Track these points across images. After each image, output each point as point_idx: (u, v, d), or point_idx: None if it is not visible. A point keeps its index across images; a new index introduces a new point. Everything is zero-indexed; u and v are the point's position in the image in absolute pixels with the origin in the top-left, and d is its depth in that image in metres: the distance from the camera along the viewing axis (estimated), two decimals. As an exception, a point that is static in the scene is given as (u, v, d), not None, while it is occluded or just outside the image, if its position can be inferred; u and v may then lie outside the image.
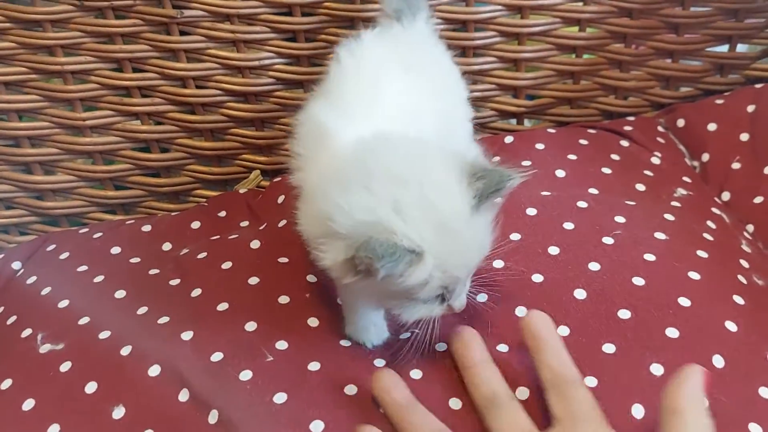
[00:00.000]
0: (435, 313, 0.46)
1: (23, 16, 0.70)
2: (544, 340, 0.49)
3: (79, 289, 0.65)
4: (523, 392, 0.49)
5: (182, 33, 0.73)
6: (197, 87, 0.75)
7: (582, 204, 0.64)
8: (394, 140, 0.46)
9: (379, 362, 0.53)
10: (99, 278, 0.66)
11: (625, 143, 0.75)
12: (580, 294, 0.55)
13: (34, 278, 0.68)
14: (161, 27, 0.72)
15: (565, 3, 0.76)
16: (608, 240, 0.60)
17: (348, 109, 0.49)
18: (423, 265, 0.41)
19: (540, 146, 0.73)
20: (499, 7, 0.75)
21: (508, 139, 0.76)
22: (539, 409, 0.48)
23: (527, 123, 0.84)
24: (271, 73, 0.75)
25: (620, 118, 0.80)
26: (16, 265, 0.72)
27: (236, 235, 0.68)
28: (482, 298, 0.54)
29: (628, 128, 0.77)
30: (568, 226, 0.61)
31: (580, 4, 0.76)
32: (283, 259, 0.63)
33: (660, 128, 0.78)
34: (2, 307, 0.66)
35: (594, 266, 0.58)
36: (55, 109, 0.75)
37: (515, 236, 0.60)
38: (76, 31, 0.71)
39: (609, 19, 0.77)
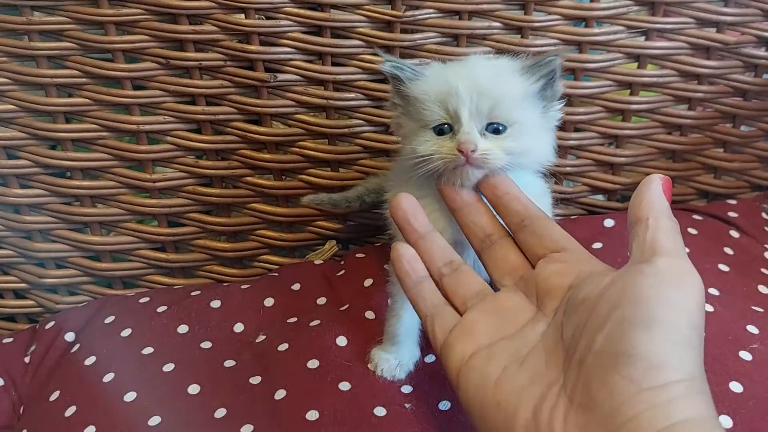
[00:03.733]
0: (444, 149, 0.47)
1: (102, 72, 0.65)
2: (504, 191, 0.48)
3: (147, 378, 0.58)
4: None
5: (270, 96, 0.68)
6: (278, 151, 0.70)
7: (708, 308, 0.59)
8: None
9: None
10: (168, 367, 0.59)
11: (735, 234, 0.70)
12: (726, 422, 0.50)
13: (92, 359, 0.61)
14: (250, 89, 0.67)
15: (679, 81, 0.71)
16: (746, 355, 0.54)
17: None
18: (423, 81, 0.49)
19: None
20: (609, 83, 0.70)
21: (609, 222, 0.71)
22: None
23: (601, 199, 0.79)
24: (358, 140, 0.70)
25: (719, 199, 0.76)
26: (69, 336, 0.66)
27: (318, 322, 0.62)
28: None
29: (733, 214, 0.72)
30: None
31: (695, 82, 0.71)
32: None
33: (764, 214, 0.73)
34: (57, 392, 0.59)
35: (736, 387, 0.52)
36: (124, 168, 0.70)
37: None
38: (157, 89, 0.66)
39: (721, 99, 0.72)
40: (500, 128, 0.48)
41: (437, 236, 0.49)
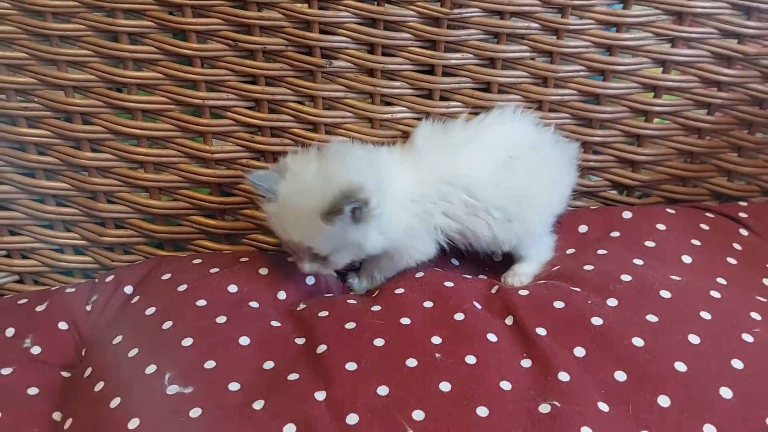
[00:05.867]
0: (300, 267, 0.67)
1: (175, 50, 0.71)
2: None
3: (202, 328, 0.64)
4: None
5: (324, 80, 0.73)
6: (326, 132, 0.76)
7: (715, 294, 0.64)
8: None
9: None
10: (221, 319, 0.65)
11: (744, 232, 0.75)
12: (726, 393, 0.55)
13: (152, 309, 0.67)
14: (306, 73, 0.73)
15: (700, 87, 0.76)
16: (748, 337, 0.59)
17: None
18: (272, 204, 0.65)
19: (661, 227, 0.73)
20: (635, 85, 0.76)
21: (626, 214, 0.76)
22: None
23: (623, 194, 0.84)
24: (399, 126, 0.76)
25: (730, 201, 0.81)
26: (128, 289, 0.72)
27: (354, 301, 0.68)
28: (622, 376, 0.57)
29: (743, 215, 0.77)
30: (705, 315, 0.61)
31: (715, 89, 0.76)
32: (405, 320, 0.63)
33: (773, 216, 0.78)
34: (120, 336, 0.65)
35: (737, 364, 0.57)
36: (186, 139, 0.76)
37: (652, 317, 0.61)
38: (224, 69, 0.72)
39: (739, 106, 0.77)
40: (320, 257, 0.64)
41: None
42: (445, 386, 0.56)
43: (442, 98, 0.75)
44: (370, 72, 0.73)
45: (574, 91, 0.76)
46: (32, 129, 0.74)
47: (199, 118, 0.74)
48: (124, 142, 0.76)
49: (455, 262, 0.73)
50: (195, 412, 0.56)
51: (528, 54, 0.73)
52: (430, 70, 0.74)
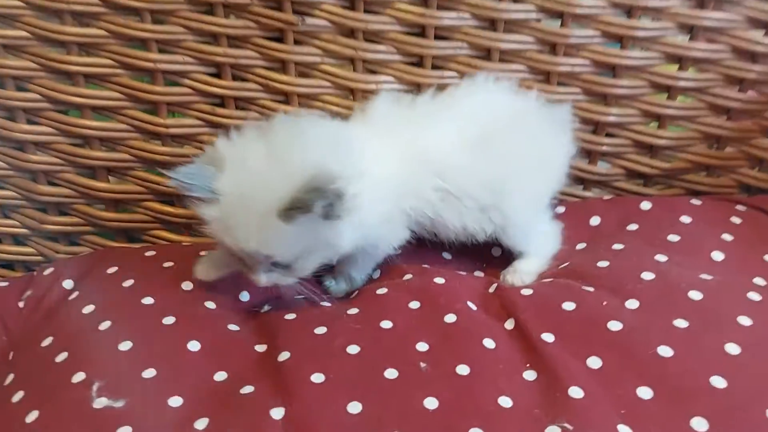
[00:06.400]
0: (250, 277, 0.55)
1: (120, 1, 0.62)
2: None
3: (146, 330, 0.55)
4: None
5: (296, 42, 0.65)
6: (301, 105, 0.66)
7: (754, 296, 0.55)
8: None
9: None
10: (169, 320, 0.56)
11: (780, 226, 0.66)
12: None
13: (91, 307, 0.59)
14: (275, 33, 0.64)
15: (732, 59, 0.67)
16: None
17: None
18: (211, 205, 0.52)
19: (686, 219, 0.66)
20: (657, 54, 0.67)
21: (645, 205, 0.68)
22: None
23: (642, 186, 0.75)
24: (383, 98, 0.67)
25: (760, 194, 0.72)
26: (67, 284, 0.64)
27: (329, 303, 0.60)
28: (647, 393, 0.48)
29: (777, 207, 0.68)
30: (744, 321, 0.53)
31: (748, 61, 0.67)
32: (386, 324, 0.55)
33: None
34: (51, 338, 0.56)
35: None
36: (137, 110, 0.67)
37: (681, 323, 0.52)
38: (178, 25, 0.63)
39: (776, 82, 0.68)
40: (282, 265, 0.53)
41: None
42: (431, 402, 0.48)
43: (435, 66, 0.66)
44: (351, 32, 0.65)
45: (587, 61, 0.67)
46: (-46, 96, 0.65)
47: (151, 85, 0.65)
48: (66, 113, 0.67)
49: (447, 256, 0.64)
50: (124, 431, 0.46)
51: (534, 15, 0.65)
52: (421, 32, 0.65)
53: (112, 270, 0.63)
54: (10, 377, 0.54)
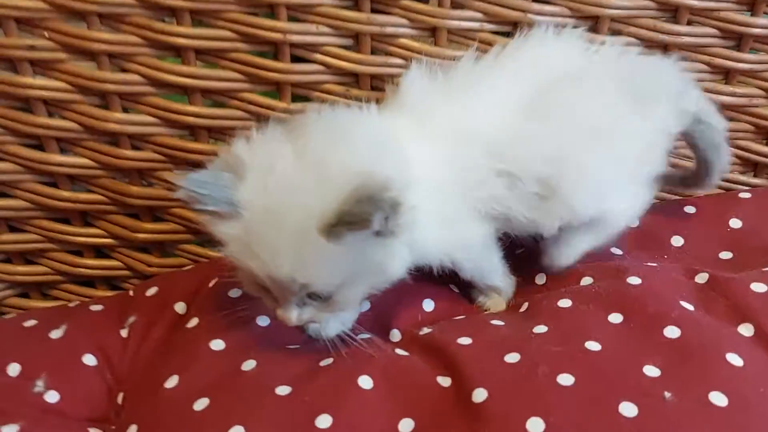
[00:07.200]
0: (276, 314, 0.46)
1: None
2: None
3: (301, 371, 0.47)
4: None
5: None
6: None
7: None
8: None
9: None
10: (326, 361, 0.47)
11: None
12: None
13: (221, 344, 0.49)
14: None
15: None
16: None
17: None
18: (230, 221, 0.43)
19: None
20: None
21: (744, 194, 0.60)
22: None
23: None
24: (392, 48, 0.56)
25: None
26: (179, 307, 0.54)
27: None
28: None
29: None
30: None
31: None
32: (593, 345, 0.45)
33: None
34: (176, 377, 0.47)
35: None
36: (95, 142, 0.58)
37: None
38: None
39: None
40: (321, 297, 0.44)
41: None
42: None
43: (455, 5, 0.55)
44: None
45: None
46: None
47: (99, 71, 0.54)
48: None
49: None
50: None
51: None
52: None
53: (234, 293, 0.52)
54: (133, 429, 0.45)
